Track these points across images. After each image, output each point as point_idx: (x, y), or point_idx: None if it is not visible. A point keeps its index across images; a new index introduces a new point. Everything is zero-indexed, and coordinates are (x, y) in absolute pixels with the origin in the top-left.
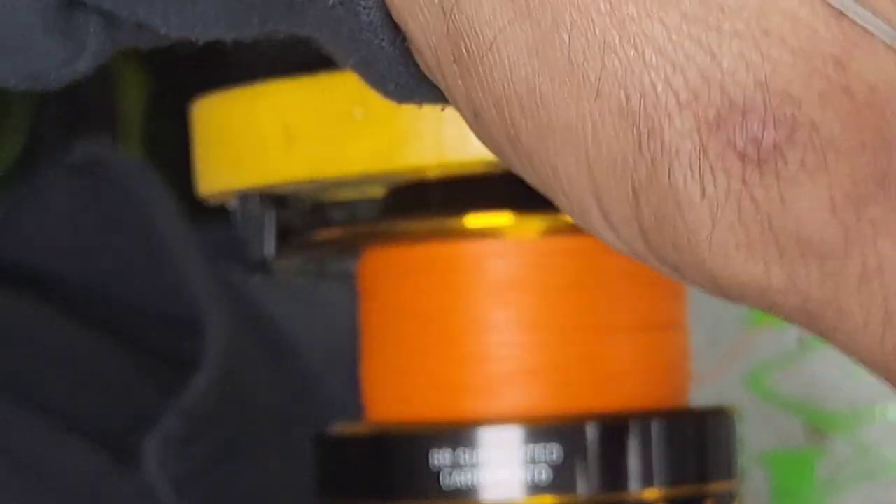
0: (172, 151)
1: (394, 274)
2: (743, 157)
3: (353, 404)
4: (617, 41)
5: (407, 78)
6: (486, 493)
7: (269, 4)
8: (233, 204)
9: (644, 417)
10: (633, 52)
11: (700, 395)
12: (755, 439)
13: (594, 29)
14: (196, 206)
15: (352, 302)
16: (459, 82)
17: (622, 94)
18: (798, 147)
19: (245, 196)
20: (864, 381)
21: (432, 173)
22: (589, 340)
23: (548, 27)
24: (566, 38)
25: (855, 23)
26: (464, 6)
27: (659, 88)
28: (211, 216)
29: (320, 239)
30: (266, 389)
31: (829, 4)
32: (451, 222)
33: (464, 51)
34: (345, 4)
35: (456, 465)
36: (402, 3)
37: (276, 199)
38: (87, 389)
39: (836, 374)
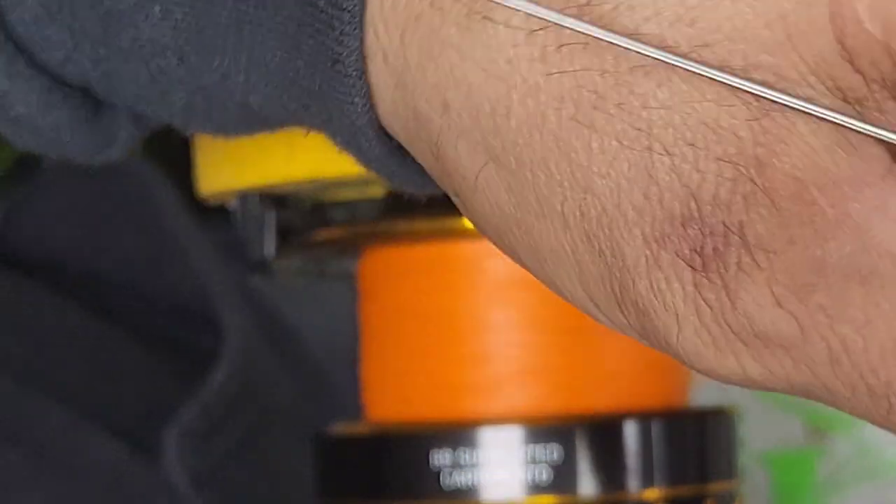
0: (172, 151)
1: (394, 274)
2: (691, 265)
3: (354, 404)
4: (569, 173)
5: (421, 182)
6: (487, 493)
7: (281, 122)
8: (233, 204)
9: (644, 417)
10: (582, 182)
11: (700, 395)
12: (755, 439)
13: (548, 165)
14: (196, 206)
15: (352, 302)
16: (466, 212)
17: (584, 222)
18: (733, 250)
19: (245, 196)
20: None
21: None
22: (589, 340)
23: (513, 168)
24: (529, 176)
25: (775, 119)
26: (445, 151)
27: (609, 212)
28: (211, 216)
29: (320, 239)
30: (279, 386)
31: (750, 107)
32: (451, 222)
33: (458, 189)
34: (350, 144)
35: (456, 465)
36: (406, 144)
37: (276, 199)
38: (105, 381)
39: None
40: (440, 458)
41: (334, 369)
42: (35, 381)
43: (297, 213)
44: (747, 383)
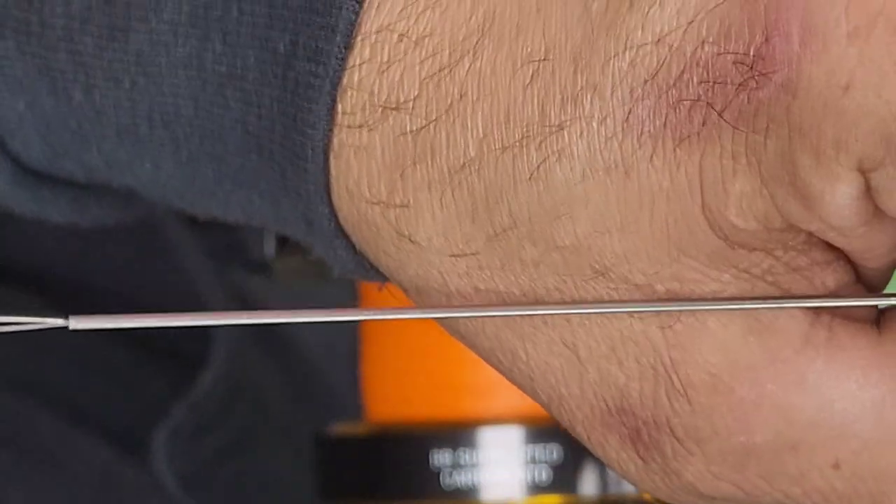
0: None
1: None
2: (634, 444)
3: (353, 404)
4: (518, 369)
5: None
6: (487, 493)
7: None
8: None
9: None
10: (529, 374)
11: None
12: None
13: (498, 356)
14: None
15: (352, 302)
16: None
17: (549, 407)
18: (665, 440)
19: None
20: None
21: None
22: None
23: (473, 339)
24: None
25: (685, 322)
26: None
27: (560, 396)
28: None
29: None
30: (271, 388)
31: (660, 316)
32: None
33: (453, 325)
34: (328, 257)
35: (456, 465)
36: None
37: None
38: (94, 386)
39: None
40: (440, 458)
41: (334, 370)
42: (24, 386)
43: None
44: None
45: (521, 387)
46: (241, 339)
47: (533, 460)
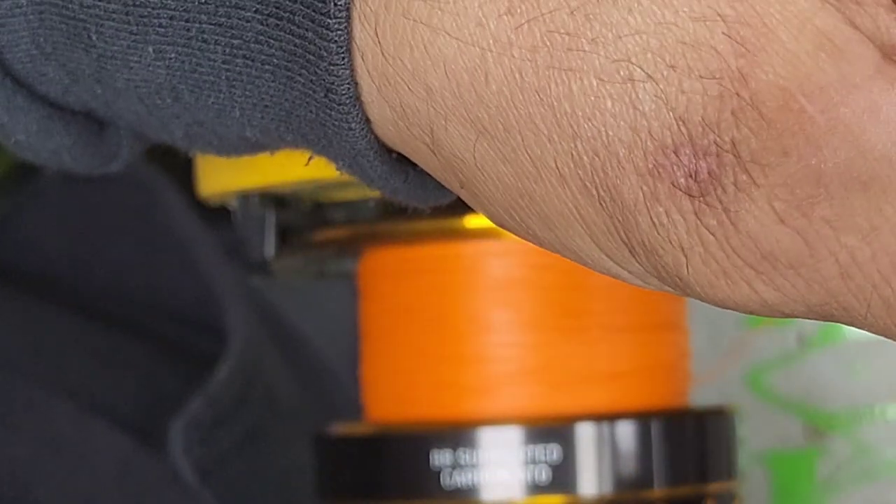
0: (172, 152)
1: (394, 274)
2: (688, 193)
3: (355, 404)
4: (555, 125)
5: (427, 194)
6: (486, 493)
7: (279, 148)
8: (233, 204)
9: (644, 417)
10: (570, 130)
11: (700, 395)
12: (755, 439)
13: (534, 122)
14: (197, 206)
15: (352, 302)
16: (475, 203)
17: (579, 172)
18: (728, 170)
19: (245, 196)
20: (864, 381)
21: None
22: (589, 341)
23: (503, 135)
24: (520, 138)
25: (754, 28)
26: (439, 139)
27: (601, 154)
28: (212, 217)
29: (320, 239)
30: (283, 384)
31: (727, 19)
32: (451, 222)
33: (461, 177)
34: (352, 167)
35: (456, 465)
36: (405, 149)
37: (276, 199)
38: (110, 380)
39: (835, 374)
40: (440, 458)
41: (335, 369)
42: (44, 379)
43: (297, 213)
44: (766, 310)
45: (556, 159)
46: (255, 332)
47: (533, 460)
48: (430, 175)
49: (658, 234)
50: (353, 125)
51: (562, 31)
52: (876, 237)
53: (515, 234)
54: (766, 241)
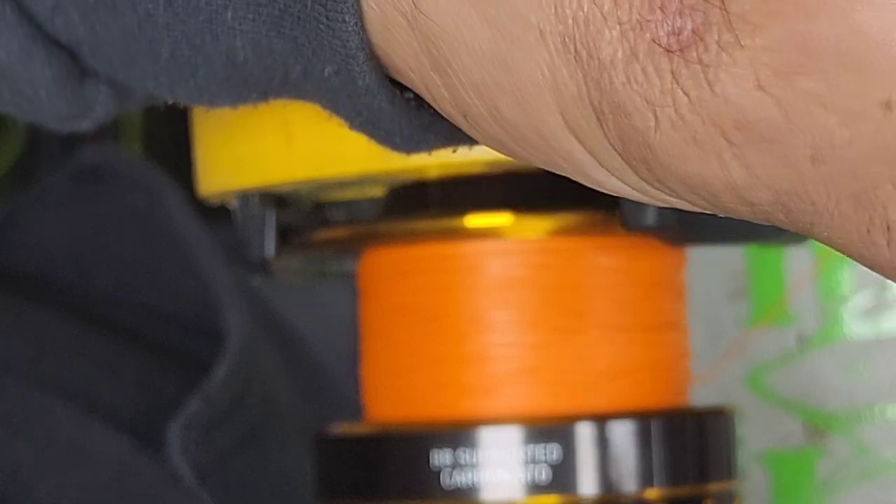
0: (172, 151)
1: (394, 274)
2: (668, 51)
3: (355, 404)
4: None
5: (411, 130)
6: (486, 493)
7: (267, 79)
8: (233, 204)
9: (644, 417)
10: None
11: (700, 395)
12: (755, 439)
13: None
14: (197, 206)
15: (352, 302)
16: (443, 90)
17: (559, 25)
18: (713, 28)
19: (245, 196)
20: (864, 381)
21: (432, 173)
22: (589, 340)
23: None
24: None
25: None
26: (421, 5)
27: (585, 6)
28: (211, 216)
29: (320, 239)
30: (280, 384)
31: None
32: (451, 222)
33: (435, 52)
34: (340, 74)
35: (456, 465)
36: (380, 39)
37: (276, 199)
38: (110, 380)
39: (835, 374)
40: (440, 458)
41: (334, 369)
42: (44, 382)
43: (297, 213)
44: (731, 194)
45: (537, 13)
46: (253, 333)
47: (533, 460)
48: (415, 107)
49: (632, 91)
50: (346, 17)
51: None
52: (857, 121)
53: (478, 126)
54: (743, 108)
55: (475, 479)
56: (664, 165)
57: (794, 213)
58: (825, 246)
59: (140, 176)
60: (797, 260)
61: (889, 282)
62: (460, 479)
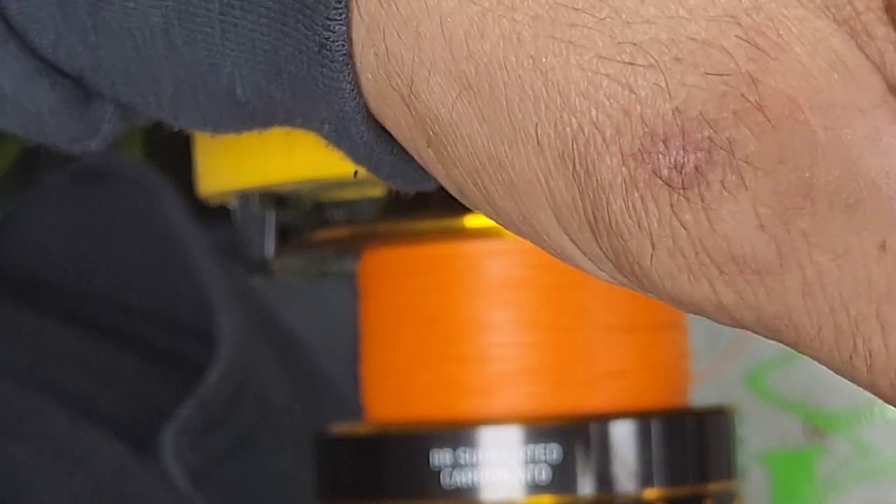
0: (172, 151)
1: (394, 274)
2: (669, 184)
3: (355, 404)
4: (544, 92)
5: (411, 174)
6: (486, 493)
7: (269, 117)
8: (233, 203)
9: (644, 417)
10: (559, 100)
11: (700, 395)
12: (755, 439)
13: (523, 85)
14: (197, 206)
15: (352, 302)
16: (438, 165)
17: (558, 141)
18: (717, 168)
19: (245, 196)
20: None
21: None
22: (588, 340)
23: (487, 94)
24: (503, 100)
25: (769, 38)
26: (418, 91)
27: (586, 130)
28: (212, 216)
29: (320, 239)
30: (276, 386)
31: (740, 25)
32: (451, 222)
33: (431, 133)
34: (339, 131)
35: (456, 465)
36: (376, 107)
37: (276, 199)
38: (101, 384)
39: (835, 374)
40: (440, 458)
41: (334, 369)
42: (41, 387)
43: (297, 213)
44: (717, 312)
45: (537, 126)
46: (245, 336)
47: (532, 460)
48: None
49: (628, 218)
50: (343, 84)
51: (569, 5)
52: (847, 260)
53: (471, 203)
54: (740, 245)
55: (475, 478)
56: (655, 283)
57: (778, 333)
58: None
59: (139, 177)
60: None
61: None
62: (460, 478)
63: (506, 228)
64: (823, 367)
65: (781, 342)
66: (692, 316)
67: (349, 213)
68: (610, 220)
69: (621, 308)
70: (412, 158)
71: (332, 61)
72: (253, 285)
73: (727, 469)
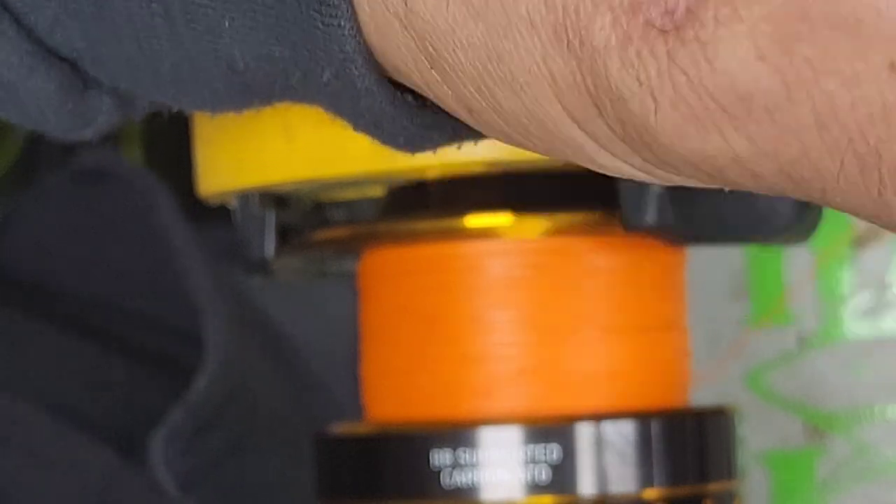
0: (172, 151)
1: (394, 274)
2: (663, 32)
3: (353, 404)
4: None
5: (413, 130)
6: (486, 493)
7: (268, 85)
8: (233, 204)
9: (644, 417)
10: None
11: (700, 395)
12: (755, 439)
13: None
14: (197, 206)
15: (352, 302)
16: (444, 87)
17: (550, 15)
18: (708, 3)
19: (245, 196)
20: (864, 381)
21: (432, 173)
22: (589, 340)
23: None
24: None
25: None
26: (413, 4)
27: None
28: (212, 216)
29: (320, 239)
30: (268, 389)
31: None
32: (451, 222)
33: (432, 50)
34: (340, 78)
35: (456, 465)
36: (377, 41)
37: (276, 199)
38: (90, 391)
39: (835, 374)
40: (440, 458)
41: (333, 370)
42: (27, 393)
43: (297, 213)
44: (736, 167)
45: (527, 5)
46: (235, 339)
47: (533, 460)
48: (416, 106)
49: (627, 76)
50: (342, 21)
51: None
52: (857, 84)
53: (482, 120)
54: (743, 81)
55: (475, 479)
56: (666, 146)
57: (802, 182)
58: (825, 246)
59: (135, 179)
60: (797, 260)
61: (889, 282)
62: (460, 479)
63: (518, 139)
64: (823, 367)
65: (808, 196)
66: (692, 316)
67: (349, 213)
68: (610, 85)
69: (621, 308)
70: (413, 109)
71: (340, 36)
72: (251, 286)
73: (727, 469)
